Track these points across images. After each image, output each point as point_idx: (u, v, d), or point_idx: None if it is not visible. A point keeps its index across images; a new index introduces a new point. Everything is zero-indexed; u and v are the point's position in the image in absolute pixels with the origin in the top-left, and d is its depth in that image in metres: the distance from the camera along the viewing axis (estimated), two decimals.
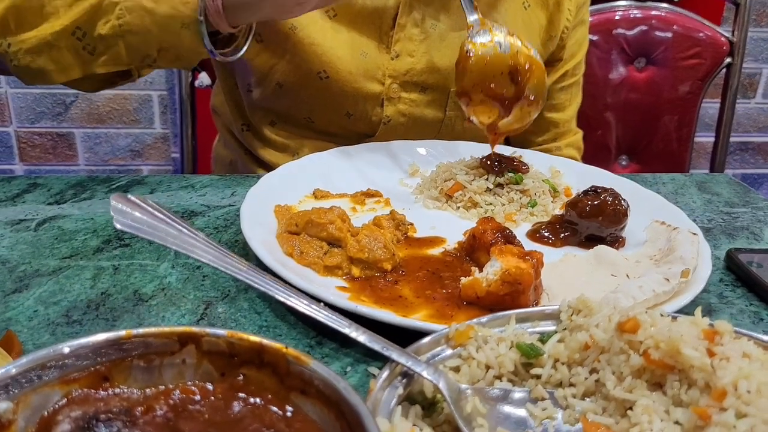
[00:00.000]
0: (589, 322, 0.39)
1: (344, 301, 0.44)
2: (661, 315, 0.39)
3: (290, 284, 0.42)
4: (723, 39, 1.44)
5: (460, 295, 0.48)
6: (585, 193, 0.58)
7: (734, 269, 0.56)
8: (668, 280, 0.46)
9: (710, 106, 1.49)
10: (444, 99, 0.83)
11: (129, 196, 0.38)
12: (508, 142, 0.98)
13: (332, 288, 0.49)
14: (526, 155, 0.71)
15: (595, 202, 0.57)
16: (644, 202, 0.61)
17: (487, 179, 0.63)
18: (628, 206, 0.57)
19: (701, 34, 1.44)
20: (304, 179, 0.64)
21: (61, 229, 0.58)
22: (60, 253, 0.54)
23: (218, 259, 0.36)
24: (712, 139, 1.52)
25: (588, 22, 0.95)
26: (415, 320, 0.44)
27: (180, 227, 0.38)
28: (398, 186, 0.67)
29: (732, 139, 2.00)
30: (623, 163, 1.53)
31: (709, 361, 0.34)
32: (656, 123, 1.50)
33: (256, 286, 0.36)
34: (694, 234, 0.53)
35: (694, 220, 0.66)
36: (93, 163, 1.79)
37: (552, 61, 0.91)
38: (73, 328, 0.45)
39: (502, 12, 0.83)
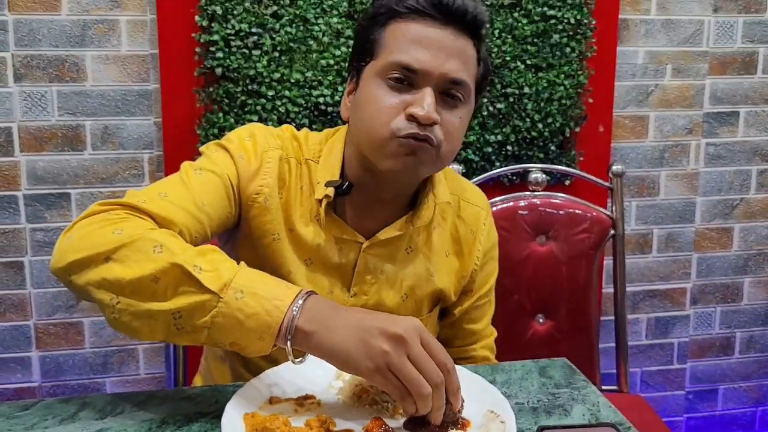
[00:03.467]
0: None
1: None
2: None
3: None
4: (605, 216, 1.83)
5: None
6: None
7: None
8: None
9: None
10: None
11: None
12: None
13: None
14: None
15: None
16: (487, 395, 0.93)
17: None
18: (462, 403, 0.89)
19: (588, 215, 1.83)
20: (264, 390, 0.96)
21: None
22: None
23: None
24: None
25: (497, 258, 1.25)
26: None
27: None
28: (328, 389, 0.98)
29: (641, 288, 2.37)
30: (540, 320, 1.86)
31: None
32: (560, 286, 1.85)
33: None
34: (503, 422, 0.84)
35: (528, 401, 0.98)
36: (97, 345, 2.10)
37: (465, 291, 1.21)
38: None
39: (434, 261, 1.14)
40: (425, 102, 0.97)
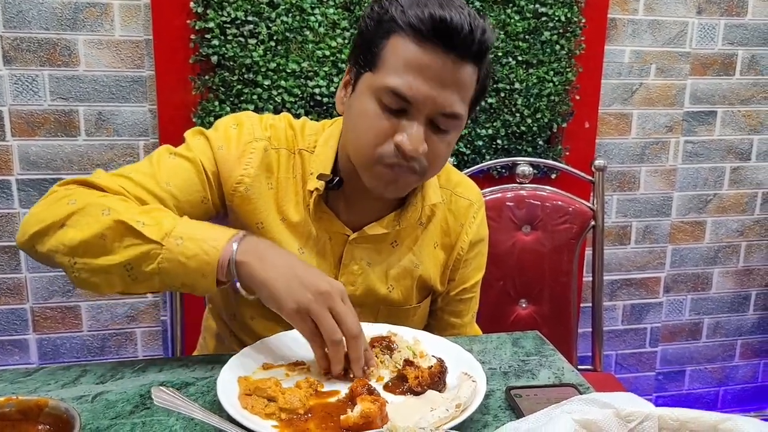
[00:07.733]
0: None
1: None
2: None
3: (245, 427, 0.80)
4: (587, 208, 1.90)
5: (341, 426, 0.86)
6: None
7: (508, 399, 0.95)
8: (448, 410, 0.85)
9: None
10: (376, 311, 1.16)
11: (161, 388, 0.76)
12: None
13: (269, 427, 0.86)
14: (399, 330, 1.10)
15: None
16: (462, 360, 1.00)
17: None
18: (446, 369, 0.96)
19: (571, 207, 1.90)
20: (257, 357, 1.02)
21: (108, 401, 0.94)
22: (109, 415, 0.90)
23: (207, 416, 0.75)
24: None
25: (485, 254, 1.27)
26: None
27: (188, 403, 0.76)
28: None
29: (619, 277, 2.45)
30: (523, 305, 1.94)
31: None
32: (542, 273, 1.92)
33: (224, 429, 0.74)
34: (474, 381, 0.92)
35: (500, 367, 1.05)
36: (95, 329, 2.16)
37: (449, 280, 1.23)
38: None
39: (420, 254, 1.17)
40: (413, 135, 0.97)
